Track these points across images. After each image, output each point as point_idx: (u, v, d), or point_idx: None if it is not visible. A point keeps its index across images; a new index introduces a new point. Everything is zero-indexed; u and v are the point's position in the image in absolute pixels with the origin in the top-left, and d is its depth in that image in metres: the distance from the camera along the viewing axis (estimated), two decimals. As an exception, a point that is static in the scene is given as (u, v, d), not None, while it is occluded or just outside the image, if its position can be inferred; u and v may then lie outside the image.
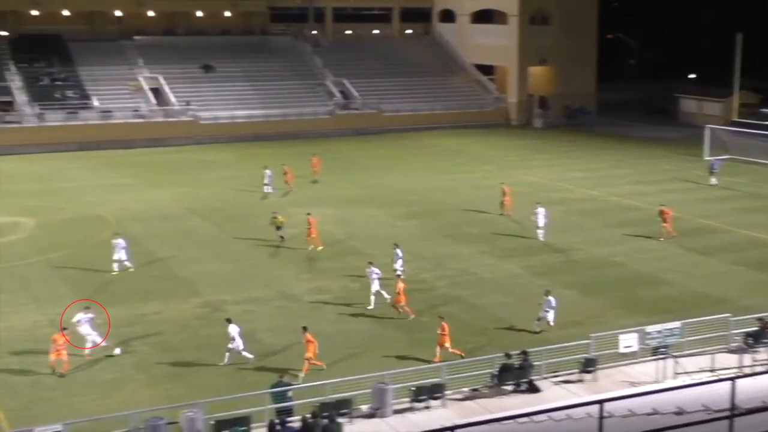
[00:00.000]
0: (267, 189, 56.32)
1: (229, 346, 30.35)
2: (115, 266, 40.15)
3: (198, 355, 31.35)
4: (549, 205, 51.30)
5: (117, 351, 31.17)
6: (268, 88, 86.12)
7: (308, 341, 29.53)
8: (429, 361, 29.69)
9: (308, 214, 45.46)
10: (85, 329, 31.20)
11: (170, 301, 36.48)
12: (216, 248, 44.66)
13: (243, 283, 39.44)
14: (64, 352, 29.35)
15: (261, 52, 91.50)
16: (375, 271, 36.21)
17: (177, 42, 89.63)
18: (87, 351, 30.85)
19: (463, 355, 30.33)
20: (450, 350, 30.44)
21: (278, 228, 45.19)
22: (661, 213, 46.92)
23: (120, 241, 40.54)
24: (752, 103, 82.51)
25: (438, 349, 30.46)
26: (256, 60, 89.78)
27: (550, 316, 33.42)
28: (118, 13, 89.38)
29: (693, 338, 29.88)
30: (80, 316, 31.54)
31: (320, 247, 44.01)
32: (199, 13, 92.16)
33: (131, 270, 40.35)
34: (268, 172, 56.78)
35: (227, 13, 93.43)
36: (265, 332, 33.64)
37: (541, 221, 46.39)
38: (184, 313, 35.50)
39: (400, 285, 35.27)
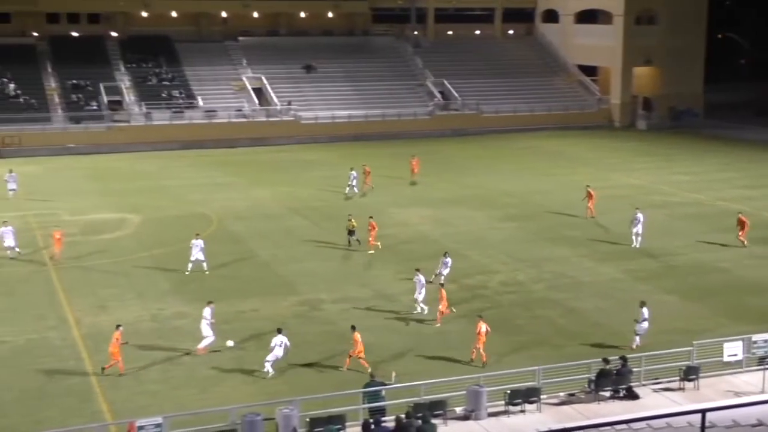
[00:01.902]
0: (349, 190, 56.48)
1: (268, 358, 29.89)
2: (190, 266, 40.31)
3: (295, 353, 31.63)
4: (651, 209, 50.29)
5: (230, 343, 31.61)
6: (368, 89, 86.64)
7: (355, 341, 29.75)
8: (525, 365, 29.30)
9: (370, 217, 44.94)
10: (204, 326, 31.64)
11: (268, 299, 37.00)
12: (315, 247, 45.10)
13: (340, 282, 39.73)
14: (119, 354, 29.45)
15: (362, 52, 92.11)
16: (421, 280, 35.38)
17: (280, 42, 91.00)
18: (201, 346, 31.56)
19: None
20: (475, 351, 30.29)
21: (350, 233, 44.66)
22: (739, 221, 44.84)
23: (199, 242, 40.60)
24: None
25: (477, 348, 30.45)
26: (357, 60, 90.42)
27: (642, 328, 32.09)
28: (223, 14, 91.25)
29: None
30: (207, 310, 31.91)
31: (371, 251, 43.70)
32: (302, 14, 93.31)
33: (206, 273, 40.39)
34: (353, 173, 56.90)
35: (330, 14, 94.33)
36: (361, 332, 33.69)
37: (639, 227, 44.95)
38: (282, 310, 35.96)
39: (443, 293, 34.28)
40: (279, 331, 30.21)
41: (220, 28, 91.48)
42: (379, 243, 44.06)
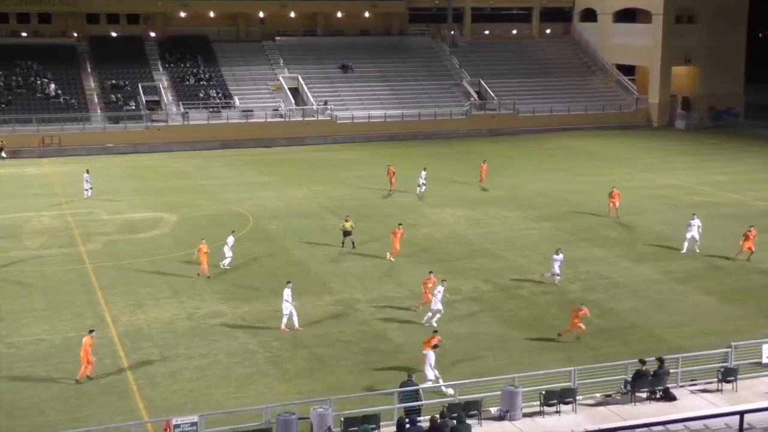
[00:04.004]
0: (420, 190, 56.26)
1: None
2: (226, 262, 41.03)
3: (329, 352, 31.77)
4: (690, 209, 49.73)
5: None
6: (404, 88, 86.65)
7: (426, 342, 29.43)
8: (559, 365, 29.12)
9: (399, 224, 44.35)
10: (285, 305, 33.61)
11: (303, 298, 37.05)
12: (349, 246, 45.03)
13: (376, 281, 39.75)
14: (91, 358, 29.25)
15: (398, 52, 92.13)
16: (441, 291, 34.48)
17: (316, 42, 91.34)
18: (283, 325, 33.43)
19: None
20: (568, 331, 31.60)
21: (346, 233, 44.23)
22: (746, 233, 42.70)
23: (230, 239, 41.45)
24: None
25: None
26: (394, 60, 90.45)
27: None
28: (261, 14, 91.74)
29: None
30: (287, 292, 33.74)
31: (392, 258, 42.82)
32: (339, 14, 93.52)
33: (226, 268, 40.89)
34: (424, 173, 56.38)
35: (366, 14, 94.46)
36: (395, 331, 33.81)
37: (695, 233, 43.73)
38: (317, 309, 36.04)
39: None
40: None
41: (257, 28, 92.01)
42: (396, 254, 42.84)
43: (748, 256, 42.33)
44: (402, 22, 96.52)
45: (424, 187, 56.29)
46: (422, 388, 26.13)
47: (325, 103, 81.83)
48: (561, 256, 38.75)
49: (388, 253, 43.03)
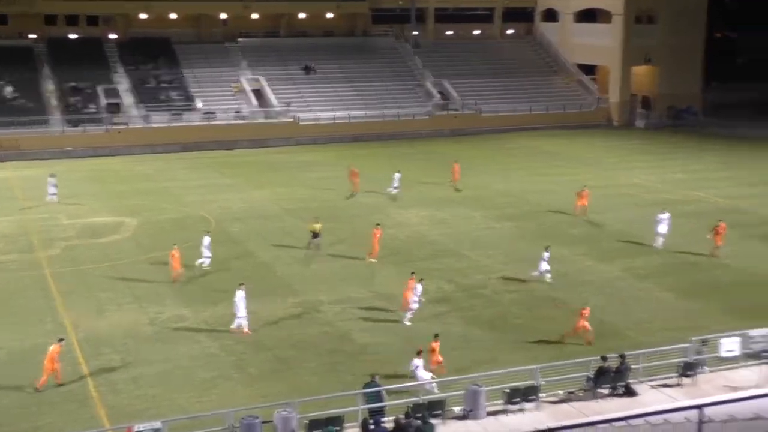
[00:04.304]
0: (393, 191, 56.27)
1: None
2: (205, 263, 41.13)
3: (293, 354, 31.68)
4: (651, 207, 50.25)
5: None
6: (367, 89, 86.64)
7: (432, 350, 29.17)
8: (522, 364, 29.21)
9: (377, 224, 44.36)
10: (239, 307, 33.53)
11: (267, 301, 36.92)
12: (315, 247, 44.92)
13: (340, 283, 39.68)
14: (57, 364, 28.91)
15: (362, 53, 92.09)
16: (418, 290, 34.82)
17: (279, 44, 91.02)
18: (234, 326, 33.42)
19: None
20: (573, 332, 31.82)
21: (315, 235, 44.07)
22: (715, 228, 43.50)
23: (206, 239, 41.52)
24: None
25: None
26: (357, 61, 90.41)
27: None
28: (223, 15, 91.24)
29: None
30: (239, 293, 33.65)
31: (372, 259, 42.76)
32: (302, 15, 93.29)
33: (204, 267, 41.03)
34: (398, 174, 56.53)
35: (330, 15, 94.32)
36: (359, 332, 33.78)
37: (663, 228, 44.57)
38: (281, 312, 35.90)
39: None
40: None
41: (219, 29, 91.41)
42: (375, 255, 42.85)
43: (713, 251, 43.02)
44: (365, 23, 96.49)
45: (396, 190, 56.36)
46: (385, 389, 26.09)
47: (288, 104, 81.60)
48: (548, 253, 39.25)
49: (366, 255, 42.90)
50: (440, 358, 28.98)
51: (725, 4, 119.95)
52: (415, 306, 34.46)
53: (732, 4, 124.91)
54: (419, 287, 34.66)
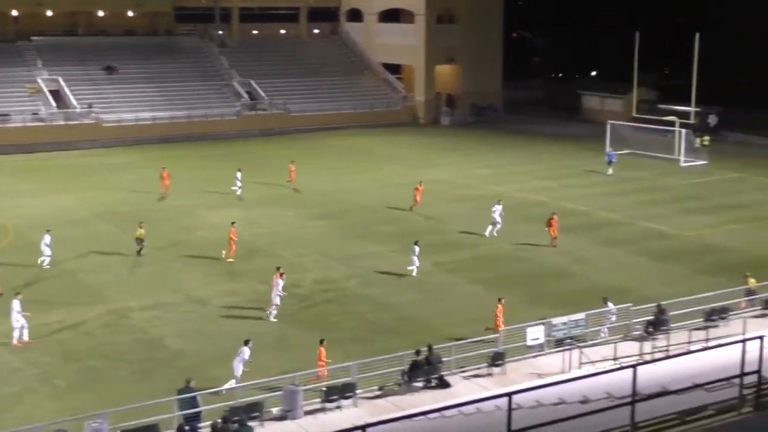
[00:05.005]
0: (237, 191, 56.04)
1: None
2: (45, 261, 41.15)
3: (104, 364, 30.69)
4: (458, 203, 51.88)
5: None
6: (173, 90, 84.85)
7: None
8: (338, 361, 29.50)
9: (233, 223, 44.12)
10: (15, 318, 32.02)
11: (74, 309, 35.57)
12: (123, 253, 43.68)
13: (151, 288, 38.75)
14: None
15: (166, 52, 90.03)
16: (279, 284, 35.33)
17: (78, 43, 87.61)
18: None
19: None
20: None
21: (140, 241, 43.12)
22: (549, 220, 45.95)
23: (46, 237, 41.29)
24: (650, 100, 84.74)
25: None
26: (162, 61, 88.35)
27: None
28: (14, 12, 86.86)
29: (597, 328, 30.54)
30: (15, 303, 32.26)
31: (230, 259, 42.83)
32: (101, 13, 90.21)
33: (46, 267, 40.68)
34: (239, 174, 56.48)
35: (130, 13, 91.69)
36: (173, 338, 33.14)
37: (497, 218, 46.87)
38: (89, 320, 34.67)
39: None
40: (246, 343, 29.12)
41: (11, 27, 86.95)
42: (232, 254, 42.79)
43: (552, 241, 45.13)
44: (169, 22, 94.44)
45: (240, 190, 55.88)
46: (201, 394, 25.70)
47: (90, 105, 78.72)
48: (417, 248, 40.46)
49: (223, 252, 42.60)
50: (324, 362, 28.80)
51: (519, 5, 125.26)
52: (278, 301, 34.91)
53: (525, 5, 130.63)
54: (280, 282, 35.08)
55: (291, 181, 59.64)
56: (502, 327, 31.05)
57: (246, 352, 28.72)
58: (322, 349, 28.90)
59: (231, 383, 28.22)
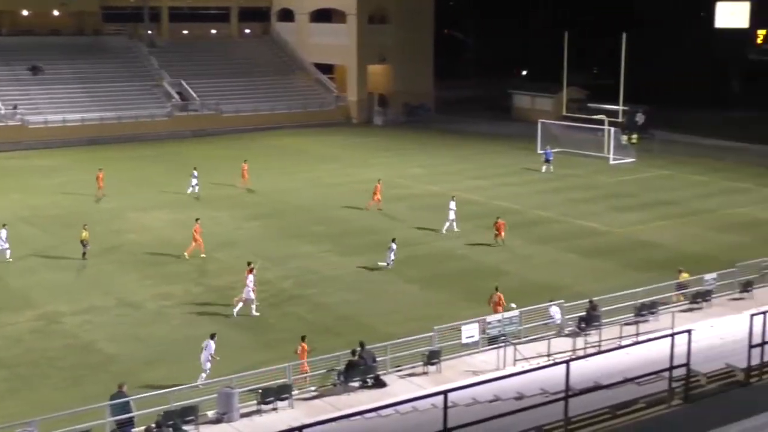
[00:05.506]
0: (192, 191, 56.08)
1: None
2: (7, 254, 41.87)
3: (33, 371, 30.05)
4: (393, 202, 51.98)
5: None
6: (102, 90, 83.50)
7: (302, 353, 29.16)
8: (278, 362, 29.35)
9: (197, 219, 44.33)
10: None
11: (1, 315, 34.77)
12: (52, 257, 42.89)
13: (82, 292, 38.09)
14: None
15: (94, 52, 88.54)
16: (251, 280, 35.48)
17: (2, 42, 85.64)
18: None
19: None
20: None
21: (85, 244, 42.55)
22: (496, 224, 46.05)
23: (2, 232, 41.67)
24: (579, 99, 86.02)
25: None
26: (89, 61, 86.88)
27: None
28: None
29: (530, 325, 30.86)
30: None
31: (202, 255, 43.03)
32: (25, 12, 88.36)
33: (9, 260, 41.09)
34: (195, 173, 56.33)
35: (56, 12, 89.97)
36: (105, 342, 32.61)
37: (452, 215, 47.64)
38: (17, 326, 33.93)
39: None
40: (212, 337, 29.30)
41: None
42: (202, 250, 43.09)
43: (496, 240, 45.64)
44: (96, 22, 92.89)
45: (197, 188, 55.52)
46: (134, 399, 25.32)
47: (15, 107, 77.04)
48: (395, 245, 41.12)
49: (188, 251, 42.60)
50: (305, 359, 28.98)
51: (449, 5, 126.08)
52: (252, 296, 35.20)
53: (455, 5, 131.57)
54: (251, 277, 35.30)
55: (244, 180, 58.95)
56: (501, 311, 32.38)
57: (212, 346, 28.92)
58: (304, 345, 29.17)
59: (201, 378, 28.39)
